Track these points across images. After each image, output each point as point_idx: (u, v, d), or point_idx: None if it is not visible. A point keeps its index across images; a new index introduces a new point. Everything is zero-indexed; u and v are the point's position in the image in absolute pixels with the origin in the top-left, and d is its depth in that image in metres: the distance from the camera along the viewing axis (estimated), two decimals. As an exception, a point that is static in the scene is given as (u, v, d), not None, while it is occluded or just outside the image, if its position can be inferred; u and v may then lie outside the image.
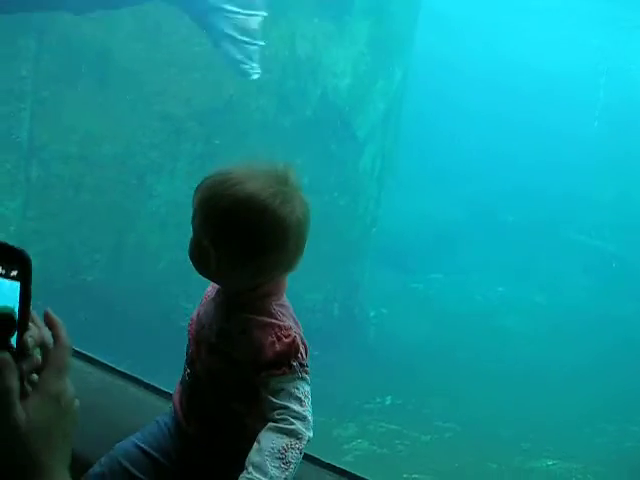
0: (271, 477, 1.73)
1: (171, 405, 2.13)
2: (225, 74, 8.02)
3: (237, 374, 1.89)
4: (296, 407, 1.82)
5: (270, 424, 1.80)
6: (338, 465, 2.34)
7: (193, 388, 2.00)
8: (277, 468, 1.74)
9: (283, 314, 1.93)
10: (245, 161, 1.95)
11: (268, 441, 1.77)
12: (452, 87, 13.32)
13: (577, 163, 13.50)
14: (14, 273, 1.23)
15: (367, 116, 9.57)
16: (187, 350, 2.04)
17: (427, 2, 10.54)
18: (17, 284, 1.23)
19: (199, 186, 1.91)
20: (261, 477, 1.72)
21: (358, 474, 2.41)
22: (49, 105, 7.71)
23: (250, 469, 1.74)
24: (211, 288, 2.07)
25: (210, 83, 8.04)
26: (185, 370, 2.05)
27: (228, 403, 1.94)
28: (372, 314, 10.61)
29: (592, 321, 11.22)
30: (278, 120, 8.53)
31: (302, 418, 1.82)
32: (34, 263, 1.23)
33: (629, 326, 11.01)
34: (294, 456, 1.78)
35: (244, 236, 1.84)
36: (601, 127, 13.88)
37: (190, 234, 1.92)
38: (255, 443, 1.79)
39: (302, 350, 1.88)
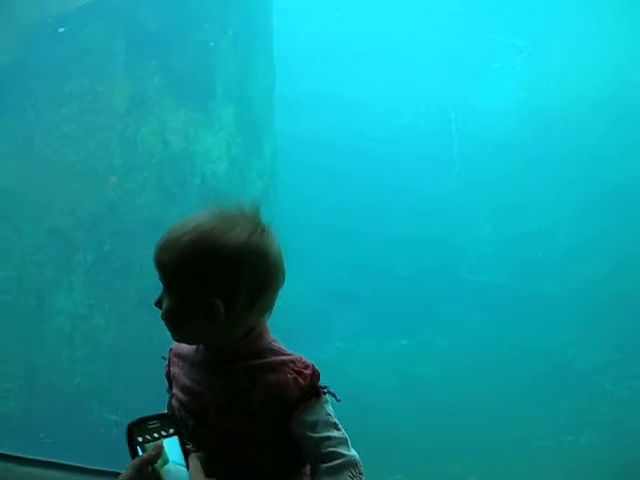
0: None
1: None
2: (104, 179, 7.98)
3: (258, 426, 1.81)
4: (336, 433, 1.79)
5: (322, 467, 1.75)
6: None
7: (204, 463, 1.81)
8: None
9: (281, 346, 1.91)
10: (196, 214, 1.89)
11: None
12: (319, 157, 13.68)
13: (448, 209, 14.05)
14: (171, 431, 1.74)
15: (248, 195, 9.68)
16: (182, 432, 1.82)
17: (280, 84, 10.92)
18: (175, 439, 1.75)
19: (166, 246, 1.82)
20: None
21: None
22: None
23: None
24: (176, 359, 1.97)
25: (91, 190, 7.94)
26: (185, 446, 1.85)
27: (252, 458, 1.85)
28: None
29: (499, 353, 11.53)
30: (164, 214, 8.47)
31: (344, 441, 1.79)
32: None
33: (534, 351, 11.39)
34: None
35: (253, 279, 1.83)
36: (461, 172, 14.51)
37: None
38: None
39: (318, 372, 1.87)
